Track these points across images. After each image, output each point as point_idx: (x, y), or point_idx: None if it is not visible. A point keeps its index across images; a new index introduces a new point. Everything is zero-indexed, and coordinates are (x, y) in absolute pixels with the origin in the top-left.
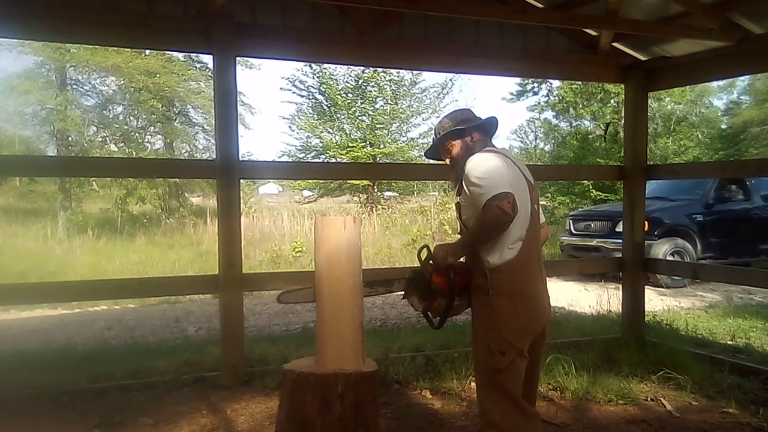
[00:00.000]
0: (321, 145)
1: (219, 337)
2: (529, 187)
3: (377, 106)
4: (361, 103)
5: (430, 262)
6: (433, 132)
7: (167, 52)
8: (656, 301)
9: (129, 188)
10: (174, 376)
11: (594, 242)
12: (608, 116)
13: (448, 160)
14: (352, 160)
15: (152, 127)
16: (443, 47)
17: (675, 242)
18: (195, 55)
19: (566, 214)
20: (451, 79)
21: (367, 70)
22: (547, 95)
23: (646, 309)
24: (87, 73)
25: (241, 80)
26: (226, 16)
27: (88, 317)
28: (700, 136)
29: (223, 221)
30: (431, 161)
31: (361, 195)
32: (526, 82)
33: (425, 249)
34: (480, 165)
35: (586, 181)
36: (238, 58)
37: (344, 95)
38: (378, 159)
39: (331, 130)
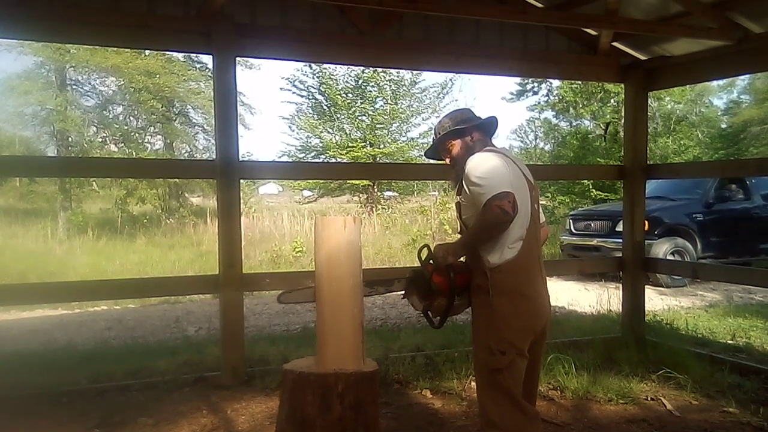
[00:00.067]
0: (321, 145)
1: (219, 337)
2: (529, 187)
3: (377, 106)
4: (361, 103)
5: (431, 261)
6: (433, 132)
7: (167, 53)
8: (656, 301)
9: (129, 188)
10: (174, 376)
11: (594, 242)
12: (608, 116)
13: (448, 160)
14: (352, 160)
15: (152, 128)
16: (443, 47)
17: (675, 242)
18: (195, 55)
19: (566, 213)
20: (451, 79)
21: (366, 70)
22: (547, 95)
23: (646, 308)
24: (87, 74)
25: (241, 80)
26: (226, 17)
27: (88, 317)
28: (700, 135)
29: (223, 221)
30: (431, 161)
31: (361, 195)
32: (526, 81)
33: (425, 248)
34: (480, 165)
35: (586, 181)
36: (238, 59)
37: (344, 95)
38: (378, 159)
39: (331, 130)
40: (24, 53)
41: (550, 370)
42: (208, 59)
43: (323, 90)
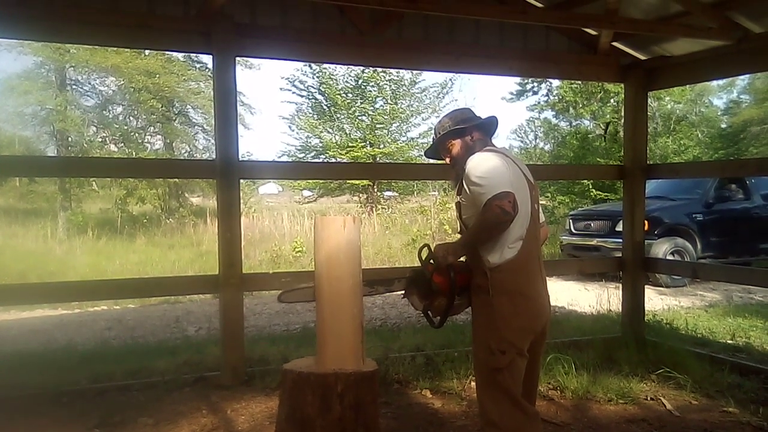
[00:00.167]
0: (321, 145)
1: (219, 337)
2: (529, 187)
3: (377, 105)
4: (361, 102)
5: (431, 261)
6: (433, 131)
7: (167, 53)
8: (656, 301)
9: (129, 188)
10: (174, 376)
11: (594, 242)
12: (608, 116)
13: (448, 160)
14: (352, 160)
15: (152, 128)
16: (443, 47)
17: (675, 241)
18: (195, 55)
19: (566, 213)
20: (450, 79)
21: (366, 70)
22: (547, 95)
23: (646, 308)
24: (87, 74)
25: (241, 80)
26: (226, 17)
27: (88, 317)
28: (700, 135)
29: (223, 221)
30: (431, 161)
31: (361, 195)
32: (526, 81)
33: (426, 248)
34: (480, 164)
35: (586, 181)
36: (237, 58)
37: (344, 95)
38: (378, 159)
39: (330, 130)
40: (24, 53)
41: (550, 369)
42: (208, 59)
43: (323, 90)
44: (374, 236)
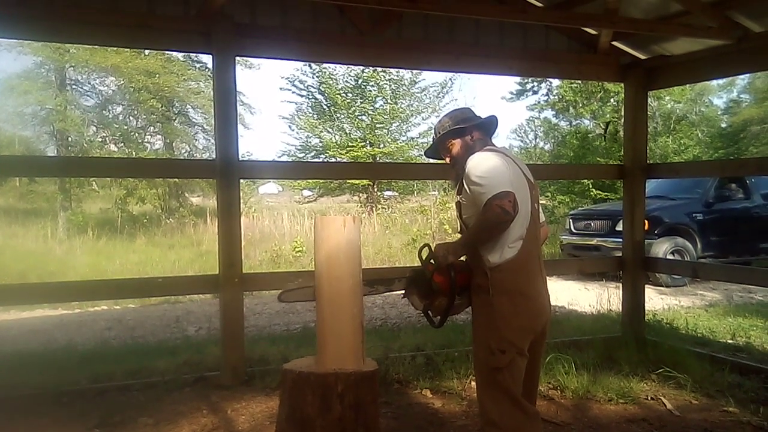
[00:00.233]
0: (321, 144)
1: (219, 337)
2: (529, 186)
3: (377, 105)
4: (361, 102)
5: (431, 261)
6: (433, 131)
7: (167, 52)
8: (656, 300)
9: (129, 188)
10: (174, 376)
11: (594, 241)
12: (608, 115)
13: (448, 159)
14: (352, 160)
15: (152, 127)
16: (443, 47)
17: (675, 241)
18: (195, 55)
19: (566, 213)
20: (450, 79)
21: (366, 70)
22: (547, 94)
23: (646, 308)
24: (86, 74)
25: (240, 80)
26: (225, 17)
27: (88, 317)
28: (700, 134)
29: (223, 221)
30: (431, 160)
31: (361, 195)
32: (526, 81)
33: (426, 248)
34: (480, 164)
35: (586, 180)
36: (237, 58)
37: (344, 95)
38: (378, 158)
39: (330, 130)
40: (24, 53)
41: (550, 369)
42: (207, 59)
43: (323, 90)
44: (374, 236)
